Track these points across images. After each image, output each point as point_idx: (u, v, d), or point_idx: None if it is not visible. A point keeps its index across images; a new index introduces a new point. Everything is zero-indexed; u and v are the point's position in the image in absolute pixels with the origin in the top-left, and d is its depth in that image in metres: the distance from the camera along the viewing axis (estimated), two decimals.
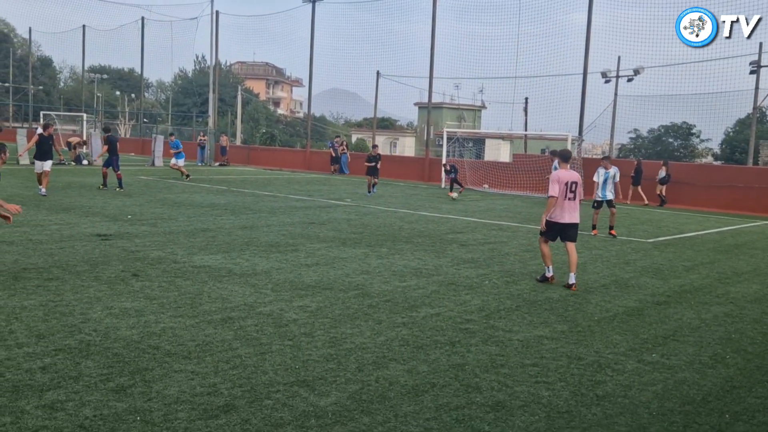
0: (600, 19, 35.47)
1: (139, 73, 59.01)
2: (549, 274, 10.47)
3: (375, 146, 29.68)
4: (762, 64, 36.11)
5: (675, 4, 30.91)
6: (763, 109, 50.82)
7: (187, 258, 10.97)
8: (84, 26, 57.80)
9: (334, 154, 39.10)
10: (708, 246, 15.81)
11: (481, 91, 56.06)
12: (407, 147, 72.99)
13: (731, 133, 58.92)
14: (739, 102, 37.33)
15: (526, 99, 45.71)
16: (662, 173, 27.64)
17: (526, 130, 38.98)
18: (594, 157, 55.49)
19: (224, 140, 43.54)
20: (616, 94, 42.37)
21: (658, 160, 44.63)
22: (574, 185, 10.38)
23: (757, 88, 37.04)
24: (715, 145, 62.14)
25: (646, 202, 27.30)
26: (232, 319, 7.51)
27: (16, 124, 70.00)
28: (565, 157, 11.15)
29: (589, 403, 5.69)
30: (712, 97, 33.82)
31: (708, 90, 32.42)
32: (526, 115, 43.94)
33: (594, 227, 16.36)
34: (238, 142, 57.87)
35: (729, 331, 8.20)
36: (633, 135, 59.83)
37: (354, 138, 73.05)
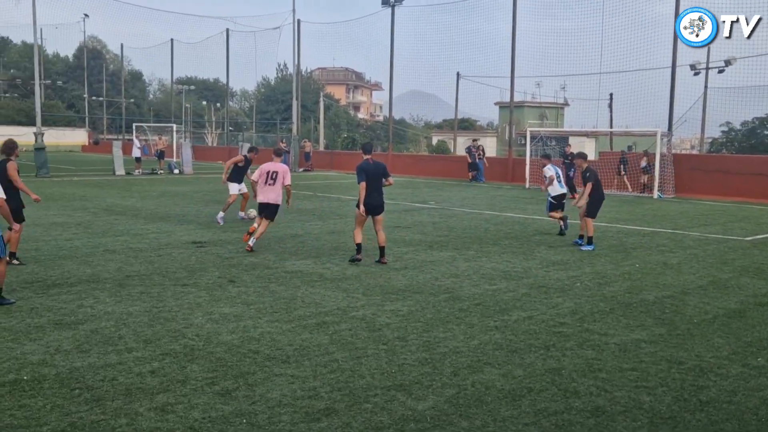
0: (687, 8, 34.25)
1: (225, 82, 60.70)
2: None
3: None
4: None
5: None
6: None
7: (279, 263, 11.25)
8: (172, 40, 59.94)
9: (470, 160, 34.78)
10: None
11: (563, 88, 55.11)
12: (488, 147, 72.16)
13: None
14: None
15: (611, 95, 44.68)
16: (644, 163, 28.52)
17: (611, 126, 38.09)
18: (682, 151, 53.67)
19: (308, 146, 44.27)
20: (706, 87, 40.84)
21: (752, 154, 42.76)
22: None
23: None
24: None
25: (630, 190, 28.16)
26: (327, 324, 7.67)
27: (111, 136, 73.26)
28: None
29: (692, 408, 5.54)
30: None
31: None
32: (611, 111, 42.97)
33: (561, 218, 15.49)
34: (321, 147, 58.77)
35: None
36: (725, 128, 57.41)
37: (435, 140, 72.99)
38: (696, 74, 41.39)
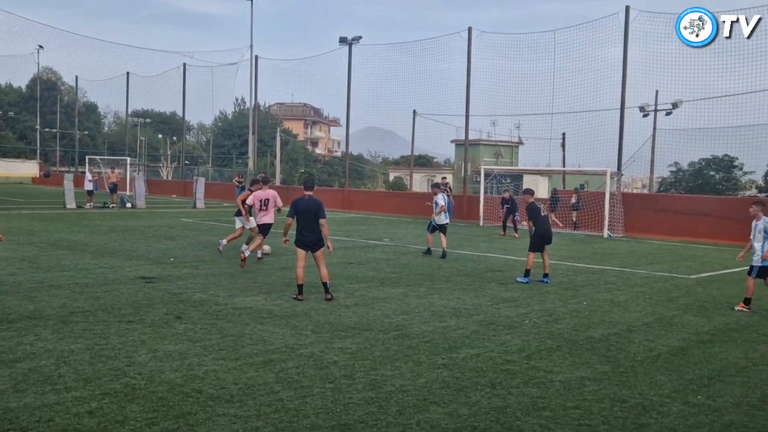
0: (636, 54, 35.38)
1: (181, 116, 60.38)
2: None
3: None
4: None
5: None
6: None
7: (228, 300, 11.13)
8: (128, 73, 59.54)
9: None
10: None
11: (518, 127, 55.96)
12: None
13: None
14: None
15: (564, 134, 45.60)
16: (573, 200, 29.78)
17: (564, 165, 38.82)
18: (634, 190, 54.86)
19: None
20: (654, 128, 42.01)
21: (700, 194, 43.94)
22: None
23: None
24: (758, 177, 61.04)
25: (561, 225, 27.80)
26: (274, 362, 7.59)
27: (63, 169, 72.02)
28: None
29: None
30: (753, 129, 33.25)
31: (749, 122, 31.92)
32: (563, 150, 43.85)
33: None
34: (277, 182, 58.63)
35: None
36: (674, 168, 59.05)
37: (392, 176, 73.37)
38: (645, 116, 42.63)
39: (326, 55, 46.66)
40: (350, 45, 40.79)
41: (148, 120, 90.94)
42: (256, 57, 45.31)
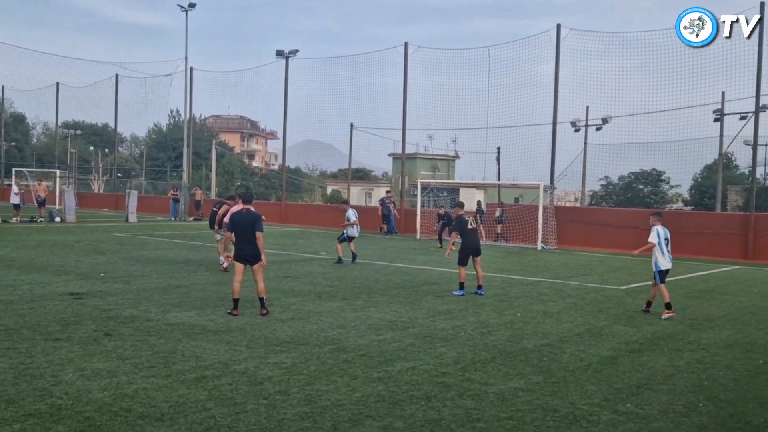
0: (568, 70, 36.31)
1: (113, 128, 59.03)
2: None
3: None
4: (725, 112, 37.15)
5: (640, 54, 31.76)
6: (729, 155, 51.97)
7: (160, 315, 10.89)
8: (58, 83, 57.89)
9: (384, 212, 33.78)
10: (679, 292, 15.98)
11: (455, 141, 56.59)
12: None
13: (699, 179, 60.06)
14: (706, 148, 38.16)
15: (498, 149, 46.29)
16: (497, 213, 30.69)
17: (499, 179, 39.41)
18: (567, 204, 56.11)
19: (198, 194, 43.47)
20: (585, 143, 43.16)
21: (629, 207, 45.23)
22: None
23: (721, 135, 38.05)
24: (684, 191, 63.27)
25: (485, 239, 28.96)
26: (206, 378, 7.45)
27: None
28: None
29: None
30: (679, 144, 34.50)
31: (675, 137, 33.13)
32: (498, 164, 44.51)
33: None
34: (212, 195, 57.83)
35: (701, 378, 8.29)
36: (604, 182, 60.72)
37: (329, 189, 73.29)
38: (576, 131, 43.75)
39: (263, 67, 46.27)
40: (287, 58, 40.67)
41: (79, 132, 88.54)
42: (192, 68, 44.72)
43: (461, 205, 15.39)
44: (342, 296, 13.53)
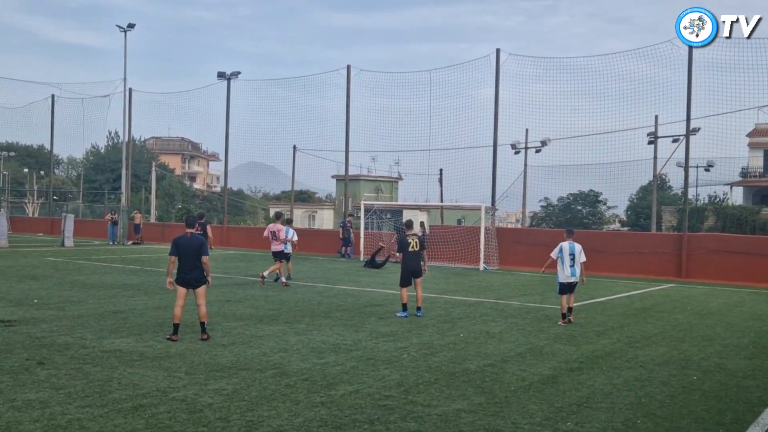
0: (508, 94, 37.00)
1: (49, 149, 57.52)
2: None
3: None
4: (658, 135, 38.35)
5: (577, 79, 32.65)
6: (663, 176, 53.59)
7: (96, 342, 10.59)
8: None
9: (344, 235, 33.51)
10: (617, 310, 16.36)
11: (398, 163, 56.93)
12: (326, 220, 73.12)
13: (635, 200, 61.77)
14: (640, 170, 39.36)
15: (441, 170, 46.76)
16: (420, 233, 30.58)
17: (441, 201, 39.79)
18: (508, 225, 56.92)
19: (138, 217, 42.60)
20: (525, 165, 43.90)
21: (570, 227, 46.08)
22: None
23: (655, 157, 39.22)
24: (621, 212, 64.91)
25: (427, 261, 28.97)
26: (144, 407, 7.26)
27: None
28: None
29: None
30: (615, 165, 35.49)
31: (612, 159, 34.06)
32: (441, 186, 44.93)
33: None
34: (152, 219, 56.76)
35: (639, 396, 8.45)
36: (544, 203, 61.86)
37: (272, 211, 72.68)
38: (516, 153, 44.45)
39: (205, 89, 45.78)
40: (229, 80, 40.42)
41: (12, 153, 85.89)
42: (130, 89, 44.04)
43: (409, 226, 15.38)
44: (284, 320, 13.39)
